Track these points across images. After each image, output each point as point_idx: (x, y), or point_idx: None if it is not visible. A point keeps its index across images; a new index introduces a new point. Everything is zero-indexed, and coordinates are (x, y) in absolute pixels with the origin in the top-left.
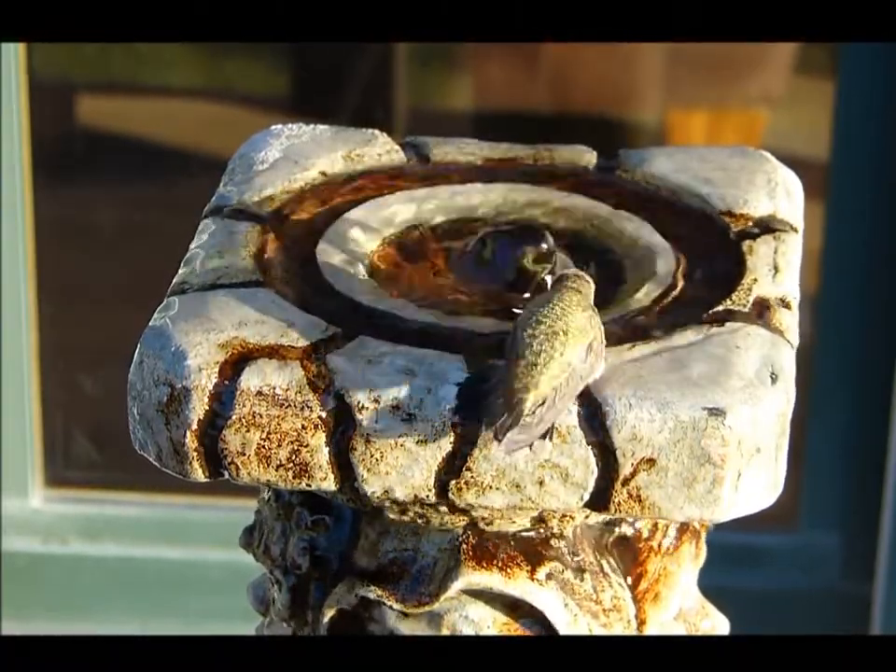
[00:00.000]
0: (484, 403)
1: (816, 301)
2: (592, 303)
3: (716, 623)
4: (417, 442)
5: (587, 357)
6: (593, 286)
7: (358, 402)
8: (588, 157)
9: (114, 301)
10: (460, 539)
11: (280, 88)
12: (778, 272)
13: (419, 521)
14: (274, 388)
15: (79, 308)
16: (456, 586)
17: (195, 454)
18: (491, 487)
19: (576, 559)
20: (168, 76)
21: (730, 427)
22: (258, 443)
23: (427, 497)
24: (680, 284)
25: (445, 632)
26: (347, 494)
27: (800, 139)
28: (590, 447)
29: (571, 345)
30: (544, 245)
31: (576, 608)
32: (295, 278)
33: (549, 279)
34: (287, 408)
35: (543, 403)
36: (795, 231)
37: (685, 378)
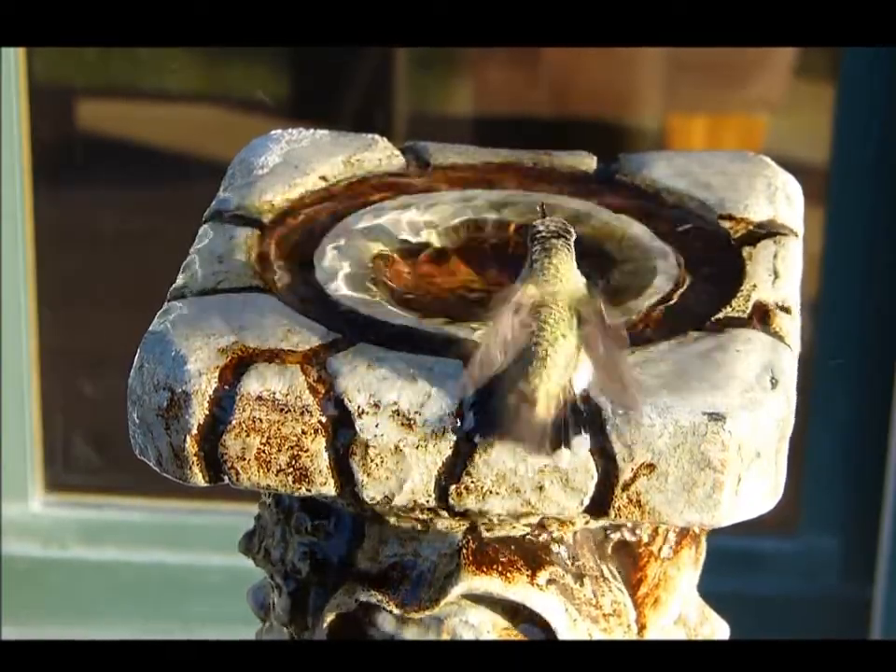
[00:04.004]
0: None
1: (816, 304)
2: (574, 259)
3: (716, 628)
4: (417, 447)
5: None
6: (573, 234)
7: (358, 407)
8: (588, 161)
9: (114, 306)
10: (460, 543)
11: (280, 92)
12: (778, 277)
13: (419, 525)
14: (274, 393)
15: (79, 312)
16: (457, 591)
17: (195, 458)
18: (491, 492)
19: (576, 564)
20: (168, 80)
21: (730, 432)
22: (257, 448)
23: (427, 501)
24: (680, 289)
25: (445, 637)
26: (347, 499)
27: (800, 144)
28: (590, 452)
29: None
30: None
31: (576, 612)
32: (295, 283)
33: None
34: (286, 413)
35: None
36: (795, 235)
37: (685, 383)
